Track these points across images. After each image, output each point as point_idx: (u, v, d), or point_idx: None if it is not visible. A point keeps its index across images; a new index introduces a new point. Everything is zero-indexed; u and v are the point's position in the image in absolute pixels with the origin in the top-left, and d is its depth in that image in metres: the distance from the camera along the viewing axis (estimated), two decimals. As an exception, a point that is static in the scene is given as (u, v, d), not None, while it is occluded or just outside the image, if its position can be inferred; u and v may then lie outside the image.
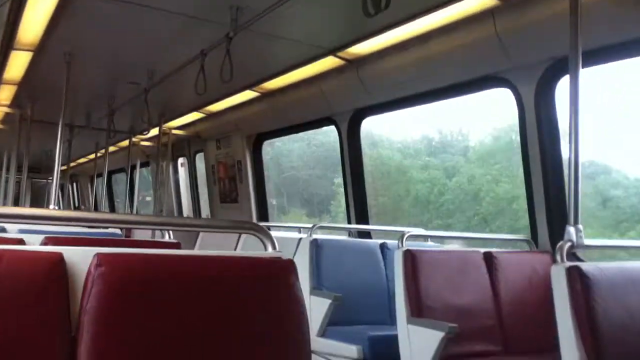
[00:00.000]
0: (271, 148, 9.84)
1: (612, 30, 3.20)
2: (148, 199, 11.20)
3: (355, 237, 5.36)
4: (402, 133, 9.15)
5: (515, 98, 3.88)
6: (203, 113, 7.00)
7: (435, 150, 8.79)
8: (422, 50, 4.11)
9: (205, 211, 8.27)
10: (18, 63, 5.15)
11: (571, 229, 2.54)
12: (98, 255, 1.59)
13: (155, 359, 1.60)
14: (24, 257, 1.57)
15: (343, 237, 5.39)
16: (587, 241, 2.56)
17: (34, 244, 2.49)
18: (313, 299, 4.00)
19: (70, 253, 1.62)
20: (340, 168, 5.60)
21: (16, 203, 9.13)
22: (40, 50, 4.72)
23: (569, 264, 2.44)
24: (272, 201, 9.95)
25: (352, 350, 3.66)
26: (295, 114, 5.93)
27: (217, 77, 4.04)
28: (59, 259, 1.58)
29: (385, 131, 9.20)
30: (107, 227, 4.58)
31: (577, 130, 2.62)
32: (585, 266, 2.44)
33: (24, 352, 1.47)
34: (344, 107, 5.29)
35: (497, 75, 3.93)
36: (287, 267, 1.88)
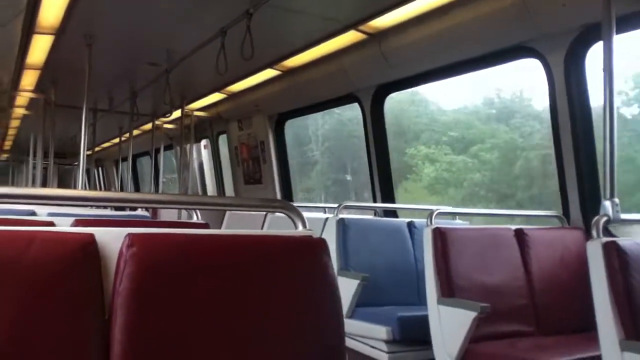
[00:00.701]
0: (329, 117, 9.71)
1: None
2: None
3: (381, 217, 5.30)
4: (460, 98, 8.22)
5: (544, 69, 3.75)
6: (224, 94, 6.96)
7: (502, 116, 7.82)
8: (445, 22, 3.99)
9: (229, 193, 8.28)
10: (40, 47, 5.17)
11: (607, 203, 2.45)
12: (130, 235, 1.57)
13: (189, 338, 1.57)
14: (56, 238, 1.55)
15: (369, 217, 5.32)
16: (624, 216, 2.47)
17: (64, 226, 2.48)
18: (340, 279, 3.89)
19: (101, 234, 1.60)
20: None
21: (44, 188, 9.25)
22: (61, 33, 4.72)
23: (605, 239, 2.35)
24: (346, 177, 9.78)
25: (382, 331, 3.61)
26: (316, 92, 5.85)
27: (237, 56, 3.99)
28: (91, 239, 1.57)
29: (438, 96, 8.47)
30: (135, 210, 4.60)
31: (612, 100, 2.52)
32: (622, 241, 2.35)
33: (57, 335, 1.45)
34: (367, 83, 5.19)
35: (524, 45, 3.80)
36: (318, 246, 1.85)
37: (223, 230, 1.90)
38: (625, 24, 3.15)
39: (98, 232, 1.60)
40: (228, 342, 1.61)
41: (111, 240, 1.60)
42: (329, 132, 10.35)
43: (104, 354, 1.49)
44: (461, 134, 8.37)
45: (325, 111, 6.84)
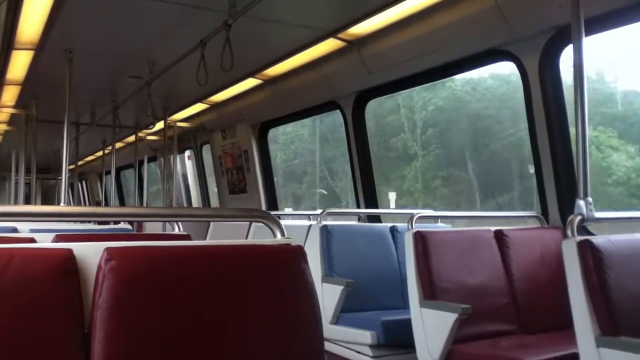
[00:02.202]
0: (435, 92, 8.00)
1: None
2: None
3: (365, 222, 5.34)
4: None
5: (519, 71, 3.82)
6: (207, 104, 6.98)
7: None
8: (422, 27, 4.06)
9: (214, 203, 8.28)
10: (19, 62, 5.17)
11: (581, 202, 2.50)
12: (108, 249, 1.59)
13: (170, 350, 1.59)
14: (35, 255, 1.56)
15: (353, 222, 5.36)
16: (598, 214, 2.52)
17: (45, 242, 2.49)
18: (325, 286, 3.99)
19: (80, 249, 1.61)
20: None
21: (27, 204, 9.19)
22: (40, 48, 4.72)
23: (579, 238, 2.40)
24: (466, 173, 7.50)
25: (366, 336, 3.64)
26: (298, 100, 5.89)
27: (218, 67, 4.01)
28: (69, 255, 1.58)
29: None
30: (117, 223, 4.60)
31: (584, 101, 2.56)
32: (597, 239, 2.40)
33: (38, 350, 1.46)
34: (348, 89, 5.24)
35: (500, 49, 3.86)
36: (296, 253, 1.86)
37: (201, 242, 1.92)
38: (595, 26, 3.23)
39: (77, 247, 1.61)
40: (207, 352, 1.62)
41: (90, 254, 1.61)
42: (436, 115, 8.32)
43: None
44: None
45: (430, 84, 5.92)
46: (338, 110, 5.52)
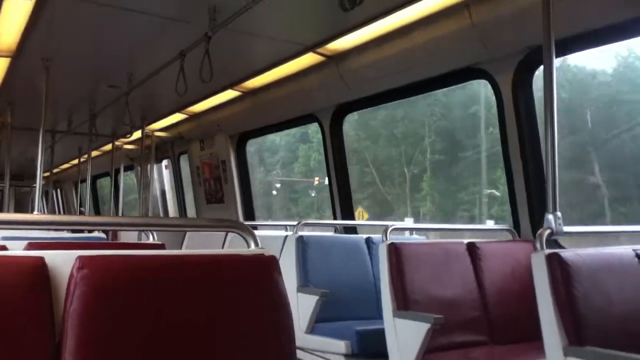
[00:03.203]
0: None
1: (584, 18, 3.23)
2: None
3: (341, 233, 5.38)
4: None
5: (493, 89, 3.92)
6: (185, 114, 6.98)
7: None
8: (400, 44, 4.13)
9: (191, 213, 8.25)
10: (-5, 69, 5.12)
11: (550, 217, 2.57)
12: (80, 257, 1.58)
13: (140, 357, 1.59)
14: (5, 263, 1.54)
15: (329, 233, 5.40)
16: (567, 228, 2.59)
17: (16, 250, 2.47)
18: (300, 296, 4.01)
19: (52, 257, 1.60)
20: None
21: None
22: (17, 55, 4.68)
23: (548, 251, 2.46)
24: (592, 178, 5.68)
25: (340, 345, 3.68)
26: (277, 112, 5.93)
27: (197, 78, 4.03)
28: (41, 263, 1.57)
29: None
30: (91, 232, 4.57)
31: (553, 119, 2.64)
32: (565, 253, 2.47)
33: (8, 359, 1.45)
34: (326, 103, 5.30)
35: (476, 67, 3.96)
36: (269, 263, 1.88)
37: (174, 251, 1.94)
38: (566, 47, 3.34)
39: (49, 255, 1.61)
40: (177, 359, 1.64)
41: (62, 263, 1.60)
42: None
43: None
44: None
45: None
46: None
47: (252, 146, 7.43)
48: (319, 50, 4.58)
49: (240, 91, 5.83)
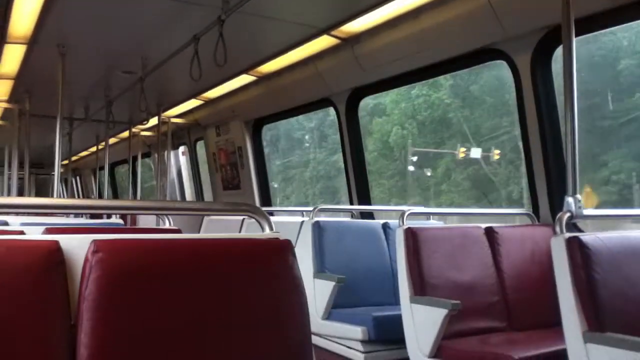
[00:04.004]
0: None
1: None
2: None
3: (358, 218, 5.35)
4: None
5: (511, 70, 3.83)
6: (201, 100, 6.98)
7: None
8: (416, 25, 4.06)
9: (208, 199, 8.28)
10: (12, 57, 5.14)
11: (570, 200, 2.52)
12: (95, 241, 1.58)
13: (155, 342, 1.59)
14: (21, 246, 1.56)
15: (345, 219, 5.37)
16: (586, 211, 2.54)
17: (34, 235, 2.49)
18: (317, 282, 4.00)
19: (67, 241, 1.61)
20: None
21: None
22: (33, 42, 4.70)
23: (568, 235, 2.42)
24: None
25: (357, 331, 3.66)
26: (292, 97, 5.89)
27: (211, 63, 4.01)
28: (56, 247, 1.58)
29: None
30: (109, 218, 4.59)
31: (573, 100, 2.58)
32: (585, 237, 2.41)
33: (24, 342, 1.46)
34: (341, 87, 5.24)
35: (493, 47, 3.88)
36: (284, 247, 1.86)
37: (188, 235, 1.93)
38: (585, 26, 3.25)
39: (64, 239, 1.61)
40: (194, 345, 1.63)
41: (77, 247, 1.61)
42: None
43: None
44: None
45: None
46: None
47: (312, 122, 7.08)
48: (334, 32, 4.52)
49: (255, 76, 5.80)
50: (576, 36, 2.66)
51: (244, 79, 5.92)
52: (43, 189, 13.49)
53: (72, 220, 4.21)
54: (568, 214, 2.50)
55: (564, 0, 2.59)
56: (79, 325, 1.52)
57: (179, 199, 8.95)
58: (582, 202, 2.59)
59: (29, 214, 2.62)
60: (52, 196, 5.42)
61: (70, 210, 1.93)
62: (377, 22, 4.28)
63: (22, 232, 2.29)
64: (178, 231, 3.04)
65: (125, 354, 1.54)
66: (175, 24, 4.32)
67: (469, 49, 4.05)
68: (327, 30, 4.48)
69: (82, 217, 5.60)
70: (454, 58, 4.23)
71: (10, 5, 3.94)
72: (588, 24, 3.25)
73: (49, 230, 2.46)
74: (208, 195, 8.30)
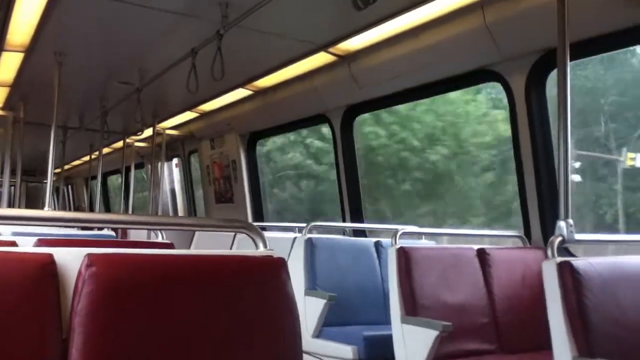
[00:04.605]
0: None
1: (600, 21, 3.17)
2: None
3: (350, 236, 5.34)
4: None
5: (506, 92, 3.86)
6: (196, 112, 6.98)
7: None
8: (413, 44, 4.09)
9: (200, 212, 8.25)
10: (9, 64, 5.14)
11: (562, 224, 2.52)
12: (89, 255, 1.58)
13: (147, 356, 1.58)
14: (14, 259, 1.55)
15: (338, 236, 5.36)
16: (578, 236, 2.54)
17: (26, 246, 2.47)
18: (308, 299, 3.98)
19: (61, 254, 1.61)
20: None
21: (10, 207, 9.10)
22: (31, 50, 4.70)
23: (560, 259, 2.42)
24: None
25: (347, 350, 3.64)
26: (288, 112, 5.91)
27: (208, 76, 4.02)
28: (50, 260, 1.57)
29: None
30: (101, 229, 4.56)
31: (567, 124, 2.60)
32: (577, 261, 2.42)
33: (15, 355, 1.45)
34: (337, 103, 5.26)
35: (488, 69, 3.91)
36: (277, 265, 1.87)
37: (182, 251, 1.92)
38: (581, 50, 3.28)
39: (57, 252, 1.61)
40: None
41: (71, 260, 1.60)
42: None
43: None
44: None
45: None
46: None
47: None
48: (331, 49, 4.55)
49: (251, 90, 5.82)
50: (571, 60, 2.68)
51: (240, 93, 5.93)
52: (34, 197, 13.41)
53: (63, 231, 4.18)
54: (560, 238, 2.50)
55: (559, 24, 2.61)
56: (70, 339, 1.51)
57: (171, 210, 8.91)
58: (572, 226, 2.59)
59: (22, 224, 2.61)
60: (44, 205, 5.37)
61: (64, 222, 1.92)
62: (373, 40, 4.31)
63: (14, 243, 2.27)
64: (171, 245, 3.03)
65: None
66: (174, 36, 4.34)
67: (465, 69, 4.09)
68: (324, 47, 4.50)
69: (73, 227, 5.56)
70: (449, 78, 4.26)
71: (9, 13, 3.94)
72: (583, 48, 3.28)
73: (41, 242, 2.45)
74: (200, 208, 8.27)
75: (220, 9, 3.77)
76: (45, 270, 1.55)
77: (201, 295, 1.70)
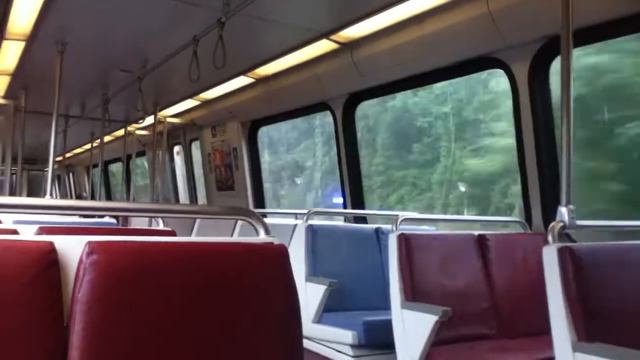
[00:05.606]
0: None
1: (604, 8, 3.16)
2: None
3: (352, 222, 5.36)
4: None
5: (509, 79, 3.86)
6: (198, 100, 6.98)
7: None
8: (415, 32, 4.08)
9: (202, 199, 8.27)
10: (10, 53, 5.14)
11: (563, 210, 2.53)
12: (90, 243, 1.58)
13: (147, 346, 1.59)
14: (15, 247, 1.55)
15: (339, 223, 5.38)
16: (579, 222, 2.55)
17: (27, 234, 2.48)
18: (309, 285, 4.01)
19: (61, 242, 1.61)
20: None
21: (12, 195, 9.12)
22: (32, 39, 4.69)
23: (560, 244, 2.43)
24: None
25: (347, 335, 3.66)
26: (289, 100, 5.91)
27: (210, 64, 4.02)
28: (50, 248, 1.57)
29: None
30: (102, 217, 4.58)
31: (570, 110, 2.60)
32: (577, 247, 2.43)
33: (16, 343, 1.46)
34: (338, 91, 5.26)
35: (491, 56, 3.91)
36: (278, 252, 1.87)
37: (184, 238, 1.93)
38: (584, 37, 3.27)
39: (58, 240, 1.61)
40: (186, 348, 1.63)
41: (72, 248, 1.61)
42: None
43: None
44: None
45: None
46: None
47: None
48: (333, 37, 4.54)
49: (253, 78, 5.82)
50: (575, 47, 2.68)
51: (241, 81, 5.93)
52: (36, 186, 13.43)
53: (64, 219, 4.20)
54: (561, 224, 2.51)
55: (563, 11, 2.61)
56: (71, 326, 1.52)
57: (172, 199, 8.94)
58: (573, 212, 2.60)
59: (23, 212, 2.62)
60: (45, 193, 5.39)
61: (65, 210, 1.93)
62: (376, 27, 4.30)
63: (15, 231, 2.28)
64: (172, 233, 3.04)
65: (117, 357, 1.54)
66: (176, 24, 4.33)
67: (468, 56, 4.08)
68: (326, 34, 4.49)
69: (75, 215, 5.57)
70: (452, 65, 4.26)
71: (11, 1, 3.94)
72: (587, 35, 3.27)
73: (42, 230, 2.46)
74: (202, 195, 8.29)
75: None
76: (47, 258, 1.55)
77: (202, 282, 1.71)
